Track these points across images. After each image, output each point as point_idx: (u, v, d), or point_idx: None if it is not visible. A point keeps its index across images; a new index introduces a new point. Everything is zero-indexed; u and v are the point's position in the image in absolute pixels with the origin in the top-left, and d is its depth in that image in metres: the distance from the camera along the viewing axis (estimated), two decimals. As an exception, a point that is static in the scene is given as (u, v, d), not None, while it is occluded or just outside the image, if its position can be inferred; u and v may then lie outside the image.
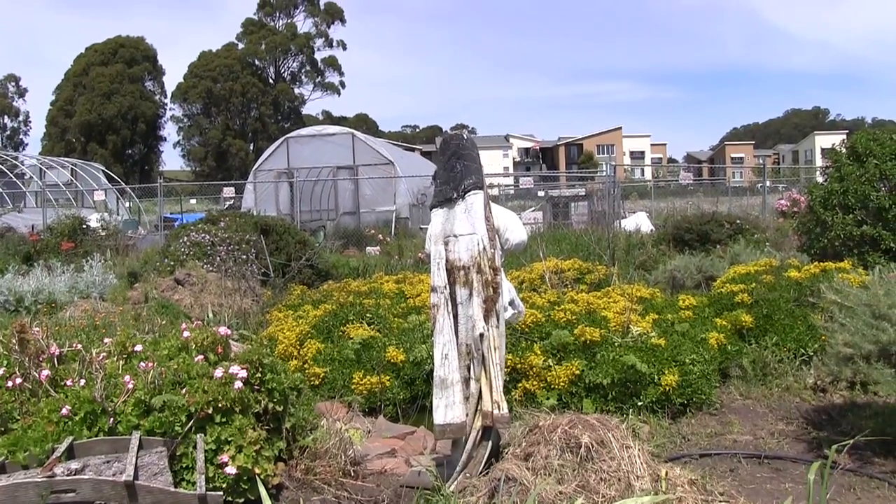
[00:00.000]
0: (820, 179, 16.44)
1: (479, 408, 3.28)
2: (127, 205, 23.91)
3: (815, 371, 5.36)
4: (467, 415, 3.29)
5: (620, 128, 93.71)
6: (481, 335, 3.23)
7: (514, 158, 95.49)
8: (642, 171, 75.15)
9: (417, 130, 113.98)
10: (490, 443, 3.32)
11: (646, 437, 4.56)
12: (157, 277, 8.07)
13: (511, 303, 3.55)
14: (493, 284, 3.23)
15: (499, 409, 3.21)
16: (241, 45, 71.80)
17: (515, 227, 3.54)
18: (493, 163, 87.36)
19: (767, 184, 25.84)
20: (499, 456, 3.33)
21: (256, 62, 72.06)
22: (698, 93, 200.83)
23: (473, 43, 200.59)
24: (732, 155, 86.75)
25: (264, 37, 71.10)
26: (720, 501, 3.21)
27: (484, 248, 3.27)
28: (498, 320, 3.29)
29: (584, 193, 25.80)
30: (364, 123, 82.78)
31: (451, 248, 3.30)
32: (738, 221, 11.29)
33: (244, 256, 9.07)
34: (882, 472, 3.86)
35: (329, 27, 73.40)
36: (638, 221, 18.21)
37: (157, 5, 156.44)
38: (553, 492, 2.93)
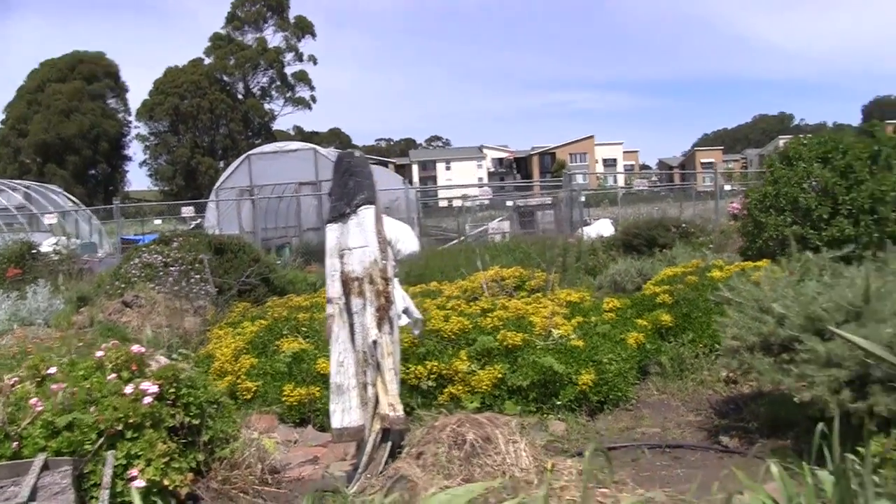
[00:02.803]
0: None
1: (376, 411, 3.48)
2: (87, 227, 23.80)
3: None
4: (366, 419, 3.49)
5: (593, 136, 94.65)
6: (375, 342, 3.43)
7: (488, 169, 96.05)
8: (615, 178, 75.73)
9: (391, 143, 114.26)
10: (389, 444, 3.52)
11: (562, 433, 4.79)
12: (106, 301, 8.19)
13: (406, 311, 3.75)
14: (384, 294, 3.43)
15: (394, 412, 3.41)
16: (208, 61, 70.96)
17: (407, 239, 3.77)
18: (468, 174, 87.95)
19: (728, 188, 26.29)
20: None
21: (225, 78, 71.48)
22: (671, 100, 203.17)
23: (447, 55, 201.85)
24: (702, 160, 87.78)
25: (233, 51, 70.50)
26: (605, 488, 3.43)
27: (376, 260, 3.48)
28: (391, 328, 3.49)
29: (550, 202, 26.16)
30: (337, 138, 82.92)
31: (346, 261, 3.50)
32: (683, 225, 11.59)
33: (197, 276, 9.21)
34: (762, 451, 4.10)
35: (299, 41, 73.16)
36: (600, 228, 18.53)
37: (116, 21, 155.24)
38: (440, 487, 3.13)
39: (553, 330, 5.52)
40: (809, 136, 9.96)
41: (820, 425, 2.61)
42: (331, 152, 20.41)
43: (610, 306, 6.12)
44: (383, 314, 3.42)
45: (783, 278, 4.66)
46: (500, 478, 3.20)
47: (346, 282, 3.48)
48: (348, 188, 3.55)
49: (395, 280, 3.60)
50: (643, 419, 4.95)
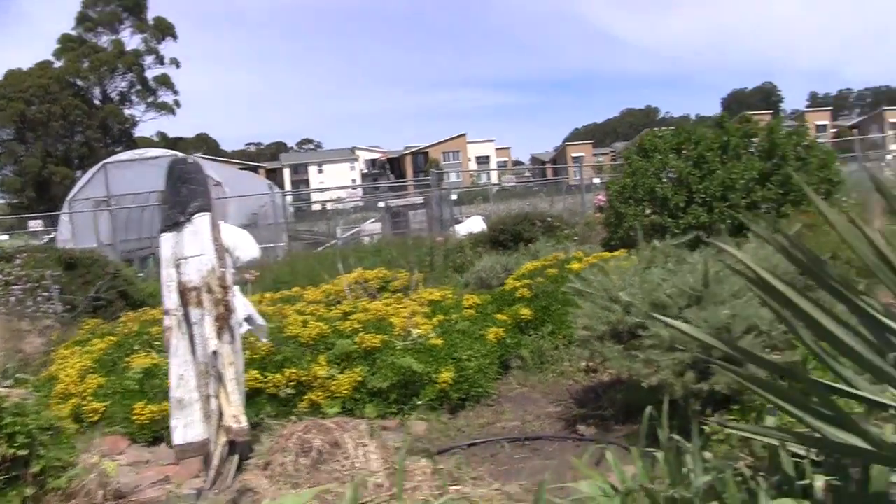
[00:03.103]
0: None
1: (220, 424, 3.35)
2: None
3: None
4: (211, 432, 3.35)
5: (465, 134, 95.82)
6: (215, 352, 3.29)
7: (361, 170, 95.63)
8: (488, 175, 77.09)
9: (262, 148, 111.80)
10: (237, 457, 3.39)
11: (423, 432, 4.78)
12: (-62, 324, 7.56)
13: (248, 318, 3.64)
14: (224, 303, 3.30)
15: (238, 423, 3.29)
16: (58, 64, 66.83)
17: (245, 245, 3.64)
18: (341, 176, 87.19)
19: (597, 181, 27.17)
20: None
21: (78, 82, 67.24)
22: (542, 96, 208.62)
23: (317, 57, 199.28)
24: (573, 154, 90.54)
25: (86, 54, 66.35)
26: (460, 485, 3.44)
27: (213, 269, 3.34)
28: (232, 337, 3.37)
29: (421, 202, 26.24)
30: (204, 143, 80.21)
31: (182, 271, 3.35)
32: (548, 219, 11.87)
33: (44, 294, 8.65)
34: (617, 437, 4.22)
35: (160, 43, 69.82)
36: (472, 226, 18.71)
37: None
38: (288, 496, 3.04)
39: (412, 330, 5.50)
40: (664, 128, 10.43)
41: (648, 408, 2.69)
42: (194, 159, 19.75)
43: (470, 303, 6.16)
44: (223, 323, 3.29)
45: (632, 267, 4.82)
46: (348, 482, 3.14)
47: (184, 292, 3.33)
48: (182, 196, 3.40)
49: (236, 288, 3.47)
50: (504, 413, 5.00)
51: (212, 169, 21.72)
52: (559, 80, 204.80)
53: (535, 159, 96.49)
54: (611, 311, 4.15)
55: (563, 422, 4.73)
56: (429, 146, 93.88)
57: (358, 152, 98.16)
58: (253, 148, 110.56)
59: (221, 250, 3.36)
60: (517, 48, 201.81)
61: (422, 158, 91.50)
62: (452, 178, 76.82)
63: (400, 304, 6.31)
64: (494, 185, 51.70)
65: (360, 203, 38.38)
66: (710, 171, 8.96)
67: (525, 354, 5.76)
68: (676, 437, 2.49)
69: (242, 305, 3.57)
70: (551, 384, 5.50)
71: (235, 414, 3.29)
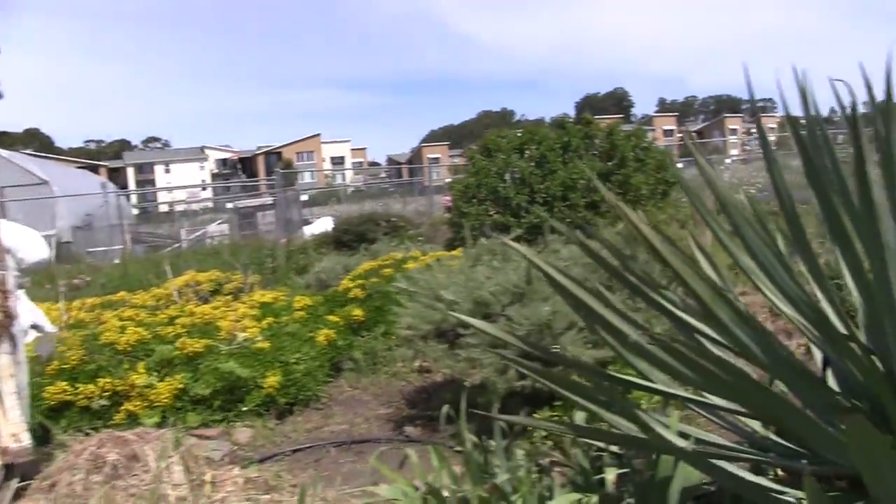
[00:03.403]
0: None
1: (-1, 444, 3.04)
2: None
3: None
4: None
5: (319, 134, 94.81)
6: (-8, 364, 2.99)
7: (211, 171, 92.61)
8: (343, 175, 76.59)
9: (103, 145, 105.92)
10: (16, 481, 3.09)
11: (248, 440, 4.59)
12: None
13: (35, 326, 3.34)
14: (2, 309, 3.01)
15: (17, 443, 2.99)
16: None
17: (31, 246, 3.34)
18: (190, 176, 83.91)
19: (450, 181, 27.38)
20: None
21: None
22: (398, 98, 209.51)
23: (166, 50, 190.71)
24: (429, 155, 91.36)
25: None
26: (276, 493, 3.29)
27: (-10, 271, 3.04)
28: (14, 346, 3.07)
29: (271, 202, 25.68)
30: (35, 139, 75.22)
31: (-44, 274, 3.02)
32: (393, 219, 11.84)
33: None
34: (442, 437, 4.20)
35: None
36: (321, 227, 18.52)
37: None
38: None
39: (238, 334, 5.29)
40: (507, 129, 10.65)
41: (445, 408, 2.66)
42: (15, 155, 18.36)
43: (301, 304, 5.99)
44: (2, 331, 2.99)
45: (459, 265, 4.83)
46: (147, 498, 2.92)
47: (-42, 297, 3.00)
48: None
49: (21, 292, 3.17)
50: (333, 417, 4.87)
51: (36, 166, 20.32)
52: (416, 82, 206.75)
53: (391, 160, 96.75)
54: (434, 309, 4.12)
55: (393, 423, 4.66)
56: (282, 146, 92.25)
57: (208, 152, 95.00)
58: (93, 146, 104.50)
59: (2, 252, 3.05)
60: (374, 48, 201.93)
61: (275, 159, 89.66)
62: (307, 178, 75.83)
63: (229, 308, 6.06)
64: (349, 185, 51.44)
65: (210, 204, 37.18)
66: (551, 171, 9.21)
67: (357, 356, 5.66)
68: (473, 436, 2.47)
69: (28, 311, 3.27)
70: (384, 385, 5.43)
71: (15, 432, 2.99)
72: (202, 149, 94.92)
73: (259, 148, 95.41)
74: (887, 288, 1.74)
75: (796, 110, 1.87)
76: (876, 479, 1.42)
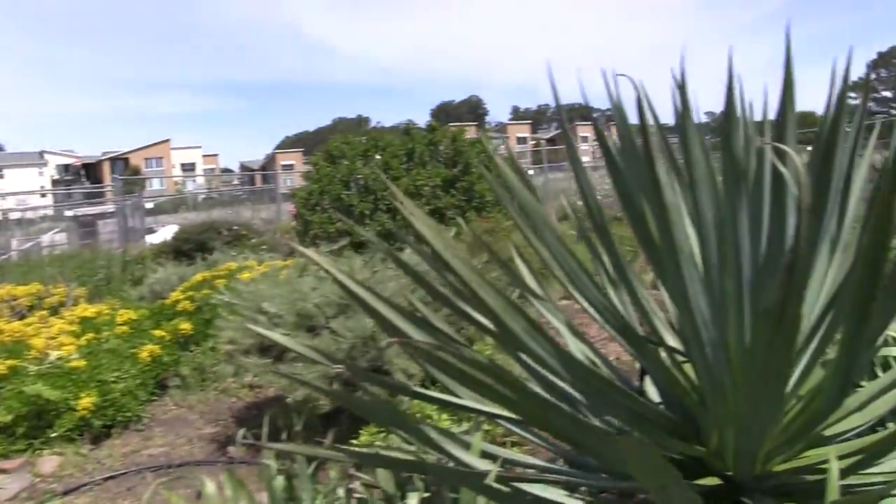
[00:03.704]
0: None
1: None
2: None
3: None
4: None
5: (168, 140, 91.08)
6: None
7: (51, 176, 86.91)
8: (195, 182, 73.94)
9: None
10: None
11: (53, 470, 4.23)
12: None
13: None
14: None
15: None
16: None
17: None
18: (27, 182, 78.26)
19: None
20: None
21: None
22: (252, 103, 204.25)
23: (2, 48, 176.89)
24: (283, 162, 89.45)
25: None
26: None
27: None
28: None
29: (112, 210, 24.42)
30: None
31: None
32: (235, 228, 11.45)
33: None
34: (269, 457, 4.03)
35: None
36: (166, 235, 17.74)
37: None
38: None
39: (52, 352, 4.89)
40: (351, 136, 10.52)
41: (265, 426, 2.52)
42: None
43: (124, 318, 5.63)
44: None
45: (287, 275, 4.67)
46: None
47: None
48: None
49: None
50: (154, 439, 4.58)
51: None
52: (271, 87, 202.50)
53: (244, 167, 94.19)
54: (256, 322, 3.95)
55: (217, 444, 4.43)
56: (130, 152, 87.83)
57: (48, 157, 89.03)
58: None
59: None
60: (227, 53, 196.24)
61: (122, 165, 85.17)
62: (156, 185, 72.74)
63: (45, 324, 5.62)
64: (199, 192, 49.84)
65: (50, 212, 34.91)
66: (394, 177, 9.16)
67: (185, 372, 5.37)
68: (273, 462, 2.35)
69: None
70: (212, 403, 5.17)
71: None
72: (41, 153, 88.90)
73: (104, 153, 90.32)
74: (684, 295, 1.75)
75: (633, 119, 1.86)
76: (662, 499, 1.41)
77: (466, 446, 2.06)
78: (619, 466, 1.84)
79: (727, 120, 1.69)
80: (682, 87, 1.72)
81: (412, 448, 2.21)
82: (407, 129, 9.66)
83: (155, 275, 8.73)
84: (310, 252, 1.86)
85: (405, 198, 1.85)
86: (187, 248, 10.82)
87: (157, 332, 5.51)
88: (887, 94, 69.90)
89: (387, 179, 9.08)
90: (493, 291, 1.79)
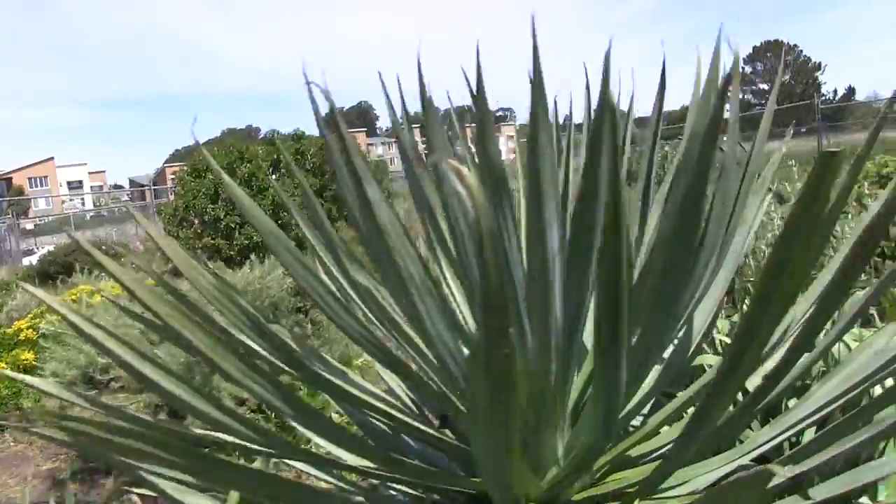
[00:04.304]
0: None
1: None
2: None
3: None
4: None
5: (53, 158, 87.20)
6: None
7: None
8: (83, 200, 71.08)
9: None
10: None
11: None
12: None
13: None
14: None
15: None
16: None
17: None
18: None
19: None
20: None
21: None
22: (139, 116, 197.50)
23: None
24: (171, 175, 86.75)
25: None
26: None
27: None
28: None
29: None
30: None
31: None
32: (103, 248, 10.97)
33: None
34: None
35: None
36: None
37: None
38: None
39: None
40: (215, 147, 10.23)
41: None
42: None
43: (-43, 352, 5.30)
44: None
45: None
46: None
47: None
48: None
49: None
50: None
51: None
52: (158, 99, 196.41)
53: (133, 182, 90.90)
54: (81, 352, 3.75)
55: (51, 480, 4.20)
56: (12, 171, 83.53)
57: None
58: None
59: None
60: (113, 65, 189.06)
61: (4, 185, 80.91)
62: (42, 205, 69.48)
63: None
64: (87, 211, 48.04)
65: None
66: (261, 189, 8.96)
67: (27, 405, 5.08)
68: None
69: None
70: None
71: None
72: None
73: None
74: (420, 324, 1.66)
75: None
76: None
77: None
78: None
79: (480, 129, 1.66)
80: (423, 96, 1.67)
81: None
82: (271, 139, 9.47)
83: (13, 301, 8.26)
84: (30, 287, 1.73)
85: (143, 218, 1.75)
86: (54, 271, 10.31)
87: (25, 356, 5.20)
88: (764, 86, 73.42)
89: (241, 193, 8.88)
90: (202, 330, 1.71)
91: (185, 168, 9.50)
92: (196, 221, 8.78)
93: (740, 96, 1.91)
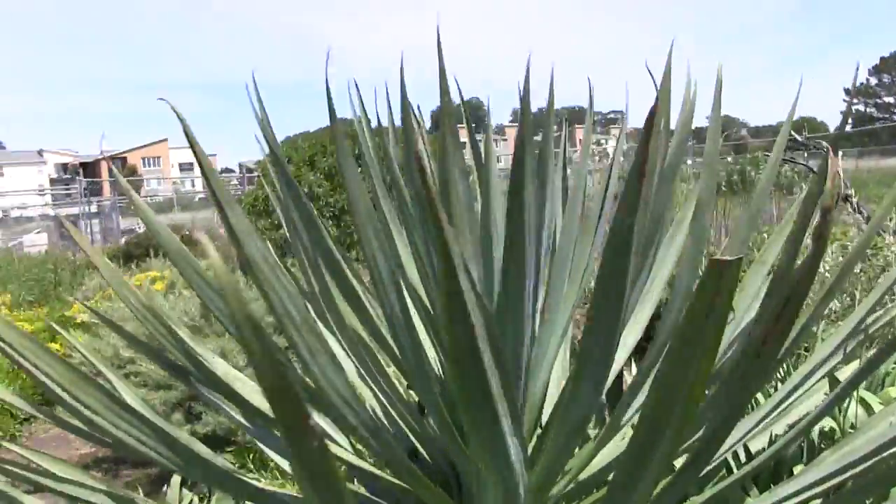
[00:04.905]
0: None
1: None
2: None
3: None
4: None
5: (167, 139, 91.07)
6: None
7: (49, 175, 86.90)
8: (192, 182, 73.89)
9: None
10: None
11: None
12: None
13: None
14: None
15: None
16: None
17: None
18: (28, 180, 78.26)
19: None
20: None
21: None
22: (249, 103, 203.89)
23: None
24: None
25: None
26: None
27: None
28: None
29: (95, 211, 24.45)
30: None
31: None
32: (186, 232, 11.25)
33: None
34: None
35: None
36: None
37: None
38: None
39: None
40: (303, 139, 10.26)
41: None
42: None
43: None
44: None
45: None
46: None
47: None
48: None
49: None
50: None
51: None
52: (274, 87, 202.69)
53: (241, 167, 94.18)
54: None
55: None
56: (126, 151, 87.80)
57: (47, 156, 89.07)
58: None
59: None
60: (227, 54, 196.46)
61: (119, 163, 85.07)
62: (153, 185, 72.58)
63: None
64: (197, 193, 49.82)
65: (50, 212, 34.96)
66: (340, 183, 8.93)
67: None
68: None
69: None
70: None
71: None
72: (40, 152, 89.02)
73: (103, 153, 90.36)
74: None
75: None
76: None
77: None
78: None
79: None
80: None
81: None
82: (354, 134, 9.41)
83: (91, 282, 8.52)
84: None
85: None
86: (138, 252, 10.63)
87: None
88: (889, 99, 69.30)
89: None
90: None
91: (267, 158, 9.58)
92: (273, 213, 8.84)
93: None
